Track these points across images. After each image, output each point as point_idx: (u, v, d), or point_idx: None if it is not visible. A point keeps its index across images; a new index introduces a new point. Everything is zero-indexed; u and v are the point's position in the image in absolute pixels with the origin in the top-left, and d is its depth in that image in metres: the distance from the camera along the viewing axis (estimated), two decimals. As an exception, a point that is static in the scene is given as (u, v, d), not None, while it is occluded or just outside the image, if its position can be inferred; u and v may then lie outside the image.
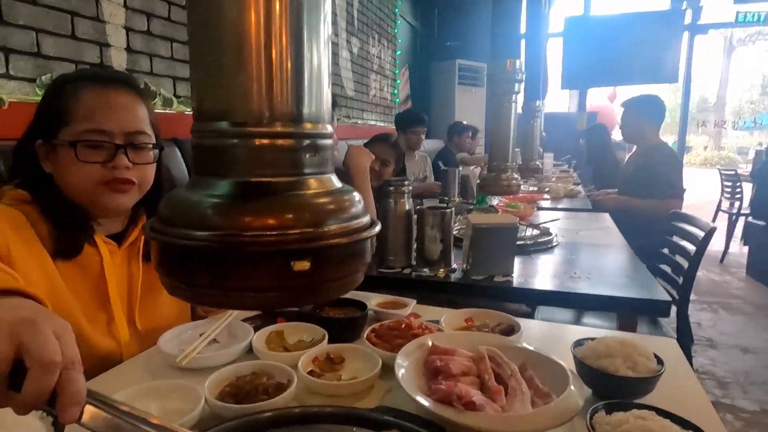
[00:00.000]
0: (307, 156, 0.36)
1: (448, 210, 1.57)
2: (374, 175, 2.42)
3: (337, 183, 0.39)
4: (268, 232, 0.33)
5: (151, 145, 1.02)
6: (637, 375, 0.78)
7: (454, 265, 1.61)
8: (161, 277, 0.37)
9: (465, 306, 1.17)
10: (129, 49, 2.03)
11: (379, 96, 5.20)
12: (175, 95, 2.28)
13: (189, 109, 2.34)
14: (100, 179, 0.96)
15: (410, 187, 1.65)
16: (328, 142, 0.38)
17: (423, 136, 3.92)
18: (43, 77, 1.67)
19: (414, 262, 1.64)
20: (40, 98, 1.64)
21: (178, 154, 2.05)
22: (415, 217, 1.64)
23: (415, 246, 1.65)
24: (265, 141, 0.34)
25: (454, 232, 1.90)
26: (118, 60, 1.99)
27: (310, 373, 0.84)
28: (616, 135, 5.37)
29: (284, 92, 0.34)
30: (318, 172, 0.37)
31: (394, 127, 4.03)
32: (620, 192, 3.17)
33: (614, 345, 0.82)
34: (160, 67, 2.20)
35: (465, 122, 5.30)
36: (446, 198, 3.19)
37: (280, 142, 0.35)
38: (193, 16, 0.35)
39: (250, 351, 0.96)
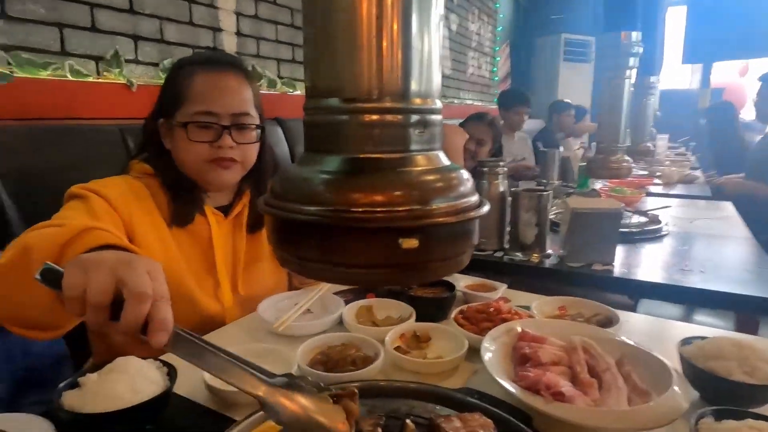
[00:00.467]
0: (416, 132, 0.35)
1: (545, 193, 1.50)
2: (469, 155, 2.38)
3: (445, 160, 0.38)
4: (377, 209, 0.33)
5: (254, 126, 1.08)
6: (755, 381, 0.70)
7: (549, 251, 1.55)
8: (274, 250, 0.38)
9: (559, 294, 1.12)
10: (238, 33, 2.16)
11: (477, 74, 5.06)
12: (278, 76, 2.39)
13: (291, 90, 2.44)
14: (208, 157, 1.04)
15: (505, 168, 1.60)
16: (438, 117, 0.37)
17: (526, 117, 3.75)
18: (165, 61, 1.83)
19: (506, 246, 1.60)
20: (163, 81, 1.81)
21: (281, 132, 2.15)
22: (509, 199, 1.59)
23: (508, 229, 1.61)
24: (375, 117, 0.34)
25: (551, 216, 1.82)
26: (229, 44, 2.12)
27: (397, 348, 0.86)
28: (748, 114, 4.77)
29: (394, 68, 0.33)
30: (427, 149, 0.36)
31: (495, 106, 3.89)
32: (748, 177, 2.82)
33: (728, 347, 0.74)
34: (266, 50, 2.31)
35: (567, 100, 4.99)
36: (545, 180, 3.05)
37: (389, 117, 0.34)
38: None
39: (340, 323, 1.00)
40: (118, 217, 0.95)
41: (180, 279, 1.03)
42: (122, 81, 1.65)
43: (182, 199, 1.06)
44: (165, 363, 0.72)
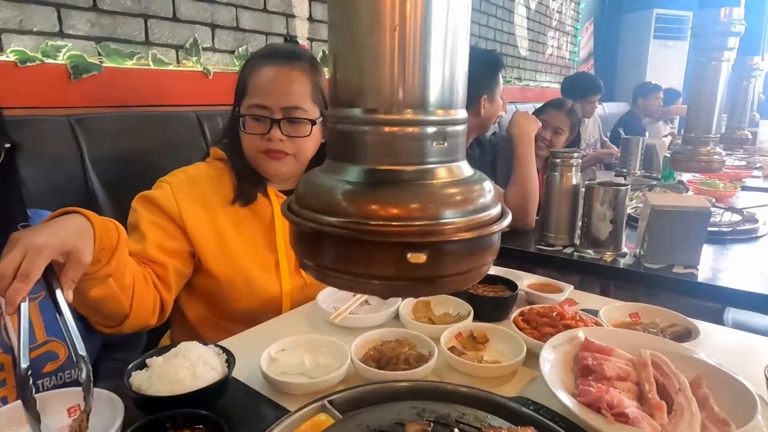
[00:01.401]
0: (435, 144, 0.35)
1: (622, 187, 1.40)
2: (544, 144, 2.27)
3: (467, 171, 0.37)
4: (391, 222, 0.33)
5: (307, 120, 1.08)
6: None
7: (625, 249, 1.45)
8: (295, 255, 0.39)
9: (633, 297, 1.05)
10: (311, 19, 2.18)
11: (556, 55, 4.81)
12: (348, 61, 2.39)
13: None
14: (260, 148, 1.08)
15: (579, 160, 1.51)
16: (460, 128, 0.36)
17: (597, 104, 3.50)
18: (240, 49, 1.89)
19: (577, 242, 1.52)
20: (238, 68, 1.87)
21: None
22: (583, 190, 1.50)
23: (580, 224, 1.52)
24: (395, 129, 0.34)
25: (629, 211, 1.70)
26: (302, 29, 2.15)
27: (452, 349, 0.84)
28: None
29: (415, 79, 0.33)
30: (447, 161, 0.36)
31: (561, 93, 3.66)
32: None
33: (829, 376, 0.66)
34: (337, 35, 2.31)
35: (655, 82, 4.62)
36: (625, 170, 2.86)
37: (409, 129, 0.34)
38: (332, 8, 0.36)
39: (396, 317, 0.99)
40: (166, 216, 1.04)
41: (236, 259, 1.08)
42: (200, 69, 1.72)
43: (245, 180, 1.12)
44: (224, 350, 0.75)
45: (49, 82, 1.35)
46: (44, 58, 1.34)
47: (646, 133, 4.09)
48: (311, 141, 1.11)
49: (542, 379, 0.69)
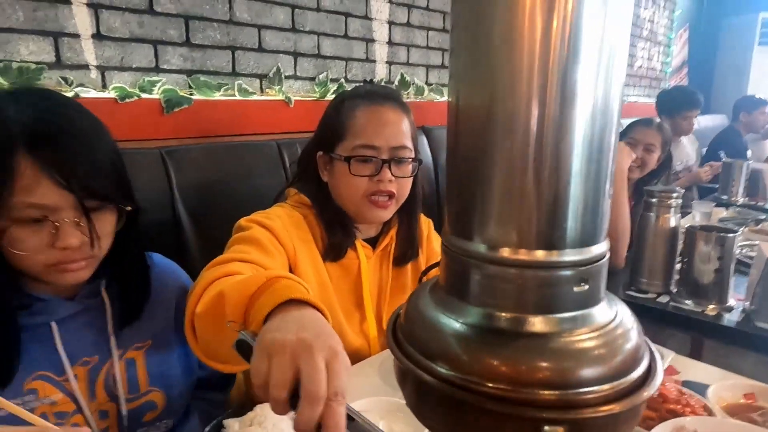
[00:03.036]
0: (575, 288, 0.30)
1: (730, 235, 1.26)
2: (635, 165, 2.10)
3: (606, 315, 0.32)
4: (517, 388, 0.28)
5: (410, 159, 1.06)
6: None
7: (731, 301, 1.30)
8: (402, 392, 0.35)
9: (742, 364, 0.93)
10: (390, 42, 2.17)
11: (646, 67, 4.50)
12: (426, 83, 2.36)
13: (439, 97, 2.40)
14: (366, 191, 1.03)
15: (679, 200, 1.38)
16: (602, 263, 0.31)
17: (695, 121, 3.20)
18: (320, 76, 1.91)
19: (674, 289, 1.38)
20: (318, 95, 1.89)
21: (425, 141, 2.13)
22: (683, 229, 1.37)
23: (677, 268, 1.39)
24: (525, 271, 0.30)
25: (735, 251, 1.53)
26: (381, 53, 2.14)
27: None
28: None
29: (551, 213, 0.29)
30: (586, 306, 0.31)
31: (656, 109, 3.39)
32: None
33: None
34: (416, 57, 2.29)
35: (760, 96, 4.19)
36: (726, 197, 2.61)
37: (541, 273, 0.30)
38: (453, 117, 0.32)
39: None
40: (283, 249, 0.99)
41: (332, 313, 1.04)
42: (281, 97, 1.76)
43: (337, 233, 1.06)
44: None
45: (144, 117, 1.43)
46: (141, 93, 1.42)
47: (749, 152, 3.73)
48: (410, 182, 1.09)
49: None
